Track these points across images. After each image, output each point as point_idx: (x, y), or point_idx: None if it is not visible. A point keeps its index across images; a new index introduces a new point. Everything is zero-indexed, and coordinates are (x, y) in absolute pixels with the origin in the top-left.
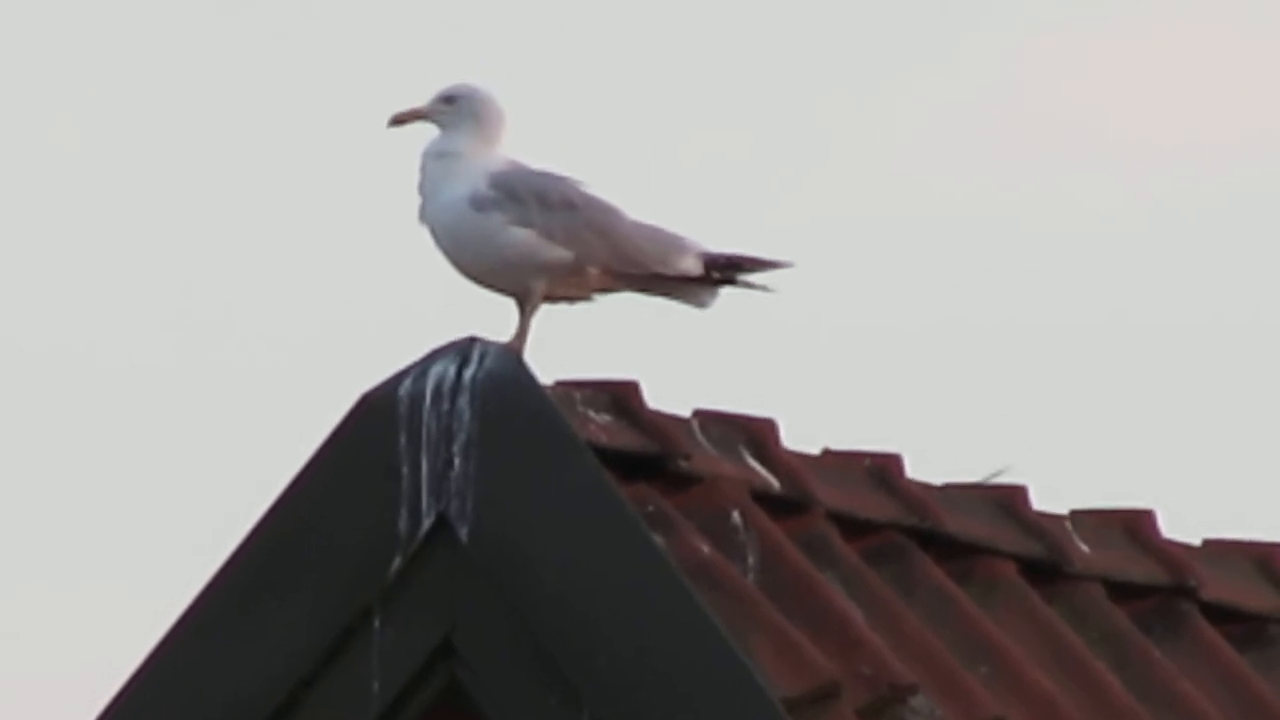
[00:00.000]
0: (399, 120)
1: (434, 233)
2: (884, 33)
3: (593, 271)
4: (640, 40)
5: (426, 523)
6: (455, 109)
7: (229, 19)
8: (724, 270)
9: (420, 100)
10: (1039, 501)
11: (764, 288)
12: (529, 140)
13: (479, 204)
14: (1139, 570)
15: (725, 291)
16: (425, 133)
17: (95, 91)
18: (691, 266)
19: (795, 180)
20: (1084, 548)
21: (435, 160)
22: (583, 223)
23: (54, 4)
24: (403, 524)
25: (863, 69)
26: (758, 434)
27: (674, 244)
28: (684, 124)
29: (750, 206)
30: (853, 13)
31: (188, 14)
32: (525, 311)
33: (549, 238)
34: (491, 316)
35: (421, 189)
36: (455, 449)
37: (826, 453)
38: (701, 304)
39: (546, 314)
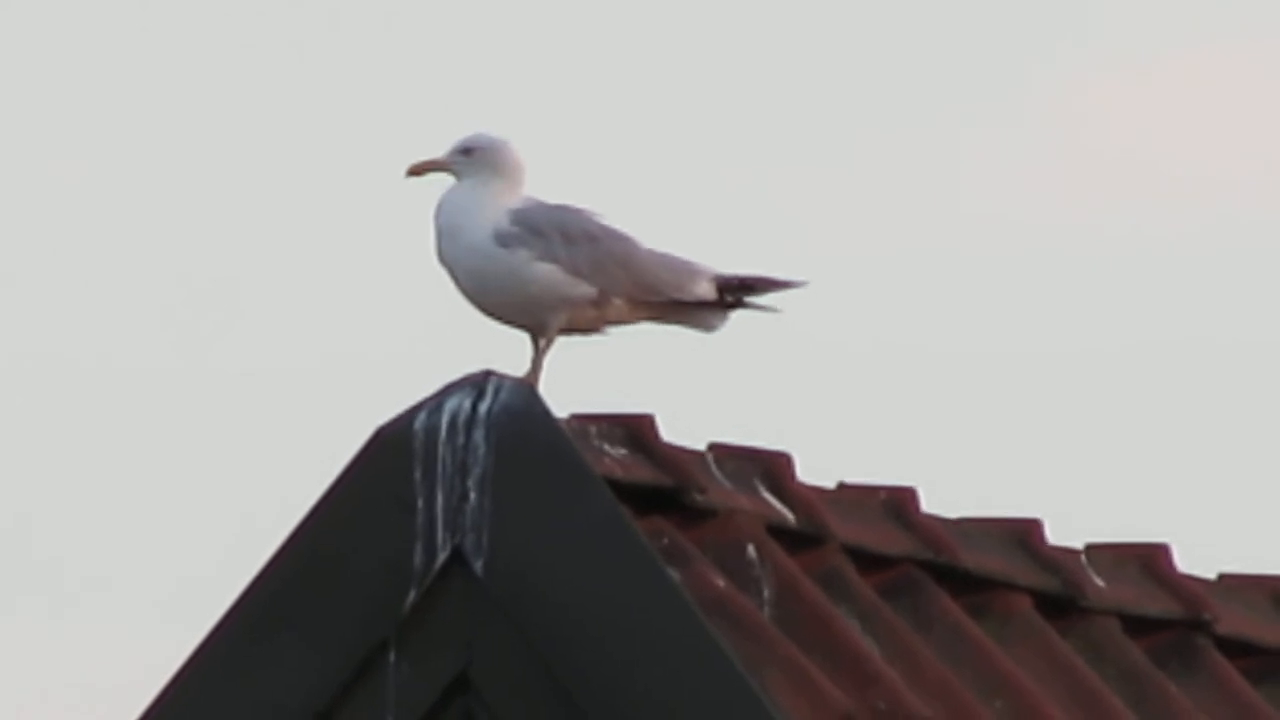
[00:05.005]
0: (417, 171)
1: (455, 274)
2: (914, 60)
3: (615, 302)
4: (678, 70)
5: (442, 556)
6: (473, 160)
7: (250, 52)
8: (736, 292)
9: (439, 147)
10: (1054, 535)
11: (772, 309)
12: (558, 175)
13: (504, 240)
14: (1154, 604)
15: (742, 323)
16: (442, 177)
17: (107, 125)
18: (707, 291)
19: (821, 205)
20: (1099, 582)
21: (452, 207)
22: (605, 254)
23: (70, 29)
24: (418, 558)
25: (894, 96)
26: (773, 468)
27: (689, 270)
28: (718, 153)
29: (774, 235)
30: (871, 36)
31: (209, 43)
32: (540, 345)
33: (574, 271)
34: (506, 350)
35: (439, 234)
36: (470, 483)
37: (842, 486)
38: (710, 328)
39: (561, 348)
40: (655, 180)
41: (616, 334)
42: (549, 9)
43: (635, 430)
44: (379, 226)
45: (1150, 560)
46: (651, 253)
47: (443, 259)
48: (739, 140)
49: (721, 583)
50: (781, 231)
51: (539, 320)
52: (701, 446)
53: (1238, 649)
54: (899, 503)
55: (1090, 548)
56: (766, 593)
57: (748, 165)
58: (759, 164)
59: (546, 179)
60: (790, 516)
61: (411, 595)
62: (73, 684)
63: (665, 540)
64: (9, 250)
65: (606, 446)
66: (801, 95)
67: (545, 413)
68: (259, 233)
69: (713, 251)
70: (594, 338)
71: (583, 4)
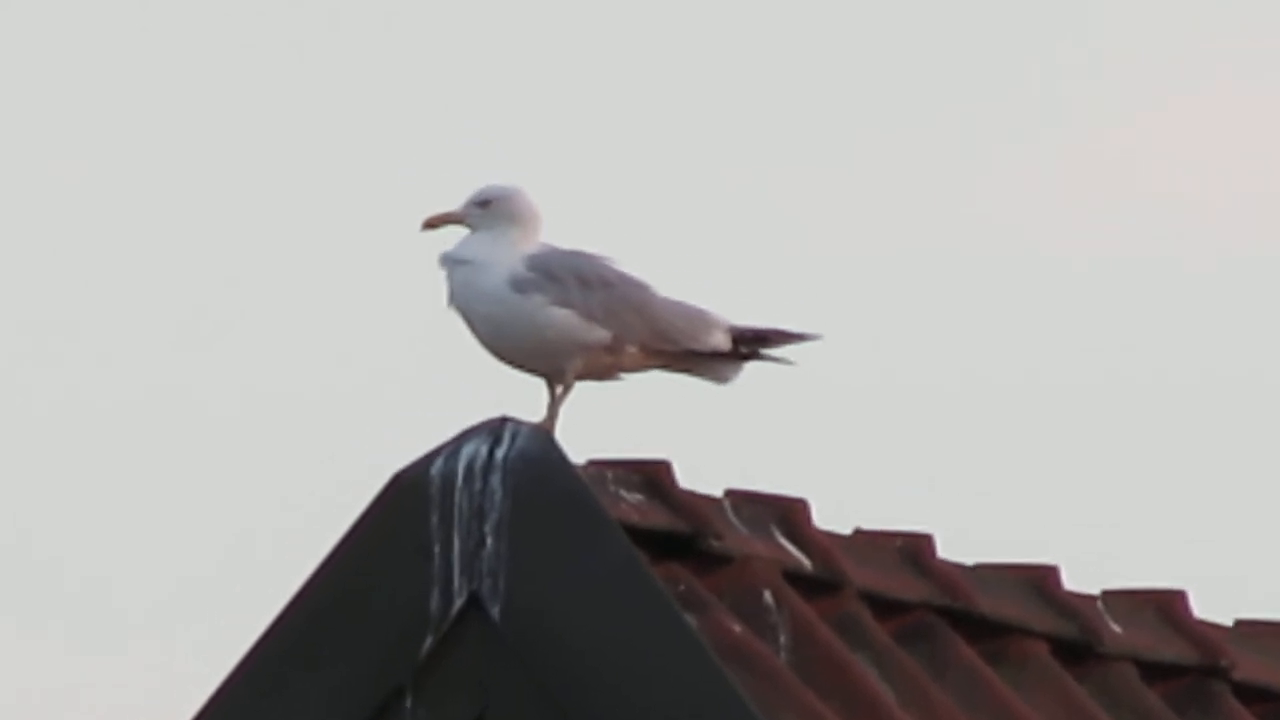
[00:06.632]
0: (433, 224)
1: (470, 320)
2: (914, 60)
3: (630, 350)
4: (678, 71)
5: (458, 602)
6: (489, 211)
7: (277, 91)
8: (750, 344)
9: (455, 192)
10: (1071, 581)
11: (786, 361)
12: (556, 176)
13: (519, 286)
14: (1171, 650)
15: (758, 368)
16: (456, 230)
17: (106, 125)
18: (721, 342)
19: (821, 205)
20: (1116, 628)
21: (467, 254)
22: (620, 300)
23: (70, 29)
24: (434, 603)
25: (894, 96)
26: (789, 513)
27: (704, 320)
28: (718, 153)
29: (774, 235)
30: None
31: (209, 46)
32: (556, 391)
33: (588, 317)
34: (523, 396)
35: (453, 282)
36: (487, 528)
37: (858, 532)
38: (724, 379)
39: (578, 393)
40: (655, 181)
41: (632, 380)
42: (546, 8)
43: (652, 476)
44: (397, 270)
45: (1167, 606)
46: (667, 301)
47: (458, 305)
48: (739, 140)
49: (738, 628)
50: (781, 231)
51: (555, 366)
52: (718, 492)
53: (1254, 695)
54: (915, 548)
55: (1107, 594)
56: (783, 638)
57: (748, 165)
58: (759, 164)
59: (545, 180)
60: (807, 562)
61: (428, 641)
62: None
63: (682, 586)
64: (9, 250)
65: (623, 492)
66: (801, 95)
67: (562, 458)
68: (275, 273)
69: (712, 252)
70: (610, 383)
71: (582, 3)
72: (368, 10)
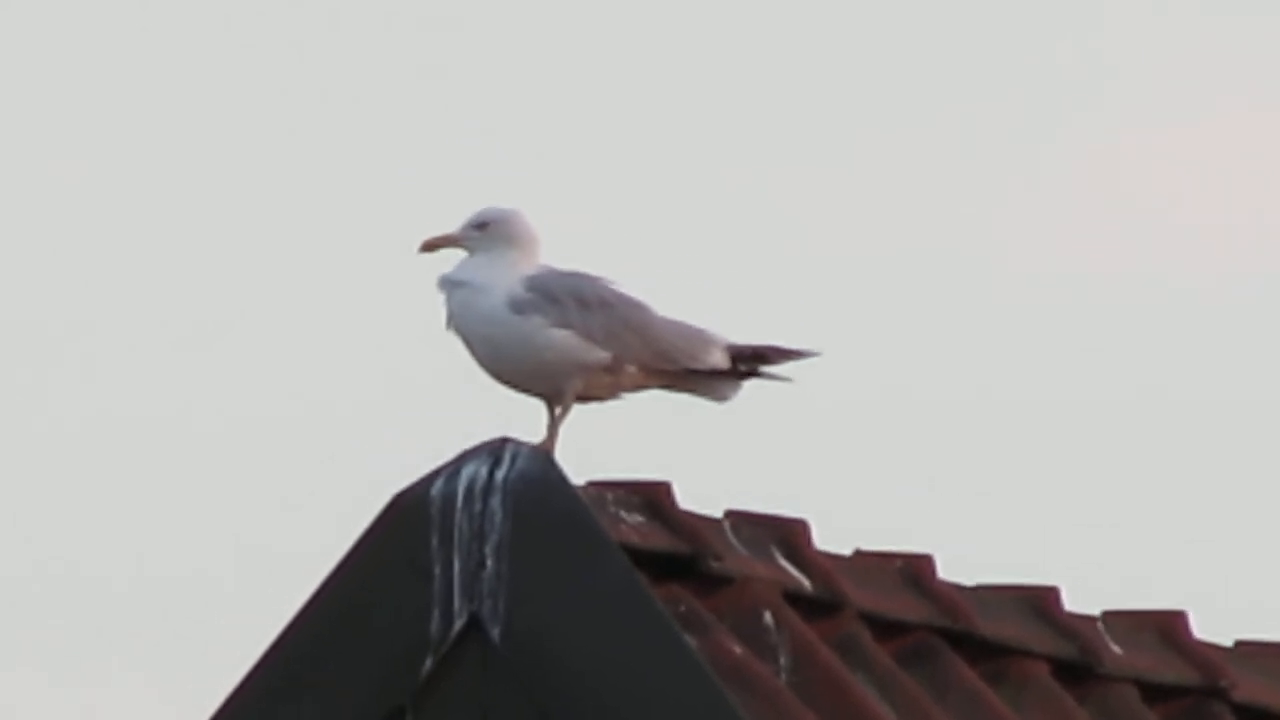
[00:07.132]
0: (430, 247)
1: (469, 342)
2: (914, 60)
3: (629, 370)
4: (678, 70)
5: (458, 623)
6: (487, 234)
7: (280, 109)
8: (749, 362)
9: (452, 216)
10: (1071, 602)
11: (784, 378)
12: (557, 179)
13: (518, 307)
14: (1171, 671)
15: (757, 387)
16: (455, 252)
17: (107, 125)
18: (720, 360)
19: (821, 205)
20: (1116, 649)
21: (466, 276)
22: (619, 321)
23: (70, 29)
24: (434, 625)
25: (894, 96)
26: (789, 535)
27: (702, 339)
28: (718, 153)
29: (774, 235)
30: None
31: (213, 53)
32: (556, 412)
33: (588, 337)
34: (522, 417)
35: (452, 303)
36: (487, 549)
37: (858, 553)
38: (723, 397)
39: (578, 414)
40: (655, 181)
41: (632, 400)
42: (545, 8)
43: (652, 497)
44: (396, 292)
45: (1167, 627)
46: (666, 320)
47: (457, 328)
48: (739, 140)
49: (738, 650)
50: (781, 231)
51: (554, 387)
52: (718, 513)
53: (1255, 717)
54: (915, 569)
55: (1107, 614)
56: (783, 659)
57: (748, 165)
58: (759, 164)
59: (545, 181)
60: (807, 583)
61: (428, 662)
62: None
63: (682, 607)
64: (9, 250)
65: (623, 513)
66: (801, 95)
67: (562, 480)
68: (275, 292)
69: (712, 252)
70: (610, 404)
71: (581, 4)
72: (368, 18)
